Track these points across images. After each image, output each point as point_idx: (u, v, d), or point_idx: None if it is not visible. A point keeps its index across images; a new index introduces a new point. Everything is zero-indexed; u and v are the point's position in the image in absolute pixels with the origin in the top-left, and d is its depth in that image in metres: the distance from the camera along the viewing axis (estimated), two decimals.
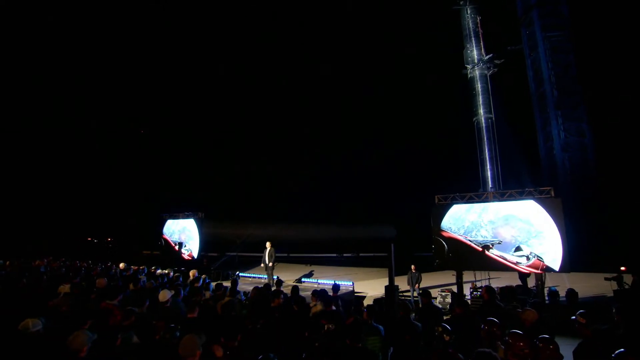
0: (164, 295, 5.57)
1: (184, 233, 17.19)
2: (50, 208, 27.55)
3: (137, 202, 28.27)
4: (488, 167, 16.96)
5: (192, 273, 9.02)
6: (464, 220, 10.38)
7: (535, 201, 9.29)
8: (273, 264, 12.79)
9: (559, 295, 8.67)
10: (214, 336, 3.63)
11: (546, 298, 8.83)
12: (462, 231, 10.33)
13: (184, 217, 17.36)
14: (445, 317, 5.77)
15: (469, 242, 10.09)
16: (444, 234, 10.55)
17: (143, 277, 8.48)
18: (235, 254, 21.23)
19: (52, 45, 26.59)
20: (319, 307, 5.55)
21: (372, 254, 18.03)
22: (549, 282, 10.04)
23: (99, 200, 28.99)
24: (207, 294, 7.01)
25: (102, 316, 4.79)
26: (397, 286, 9.72)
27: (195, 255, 16.40)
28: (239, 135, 28.74)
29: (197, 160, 28.57)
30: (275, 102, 27.40)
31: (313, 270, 17.61)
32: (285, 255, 21.36)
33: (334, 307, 5.62)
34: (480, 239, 10.00)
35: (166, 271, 11.80)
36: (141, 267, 11.74)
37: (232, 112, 28.74)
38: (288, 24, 26.11)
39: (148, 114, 30.18)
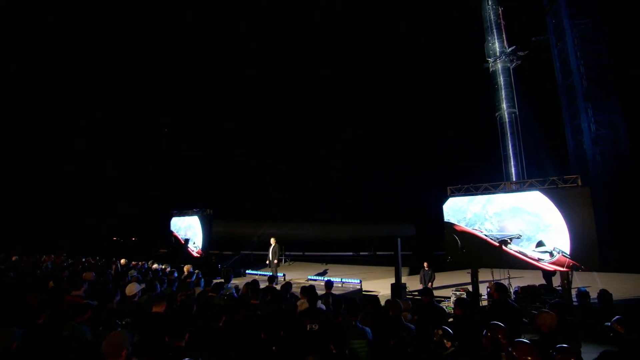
0: (131, 289, 5.08)
1: (189, 230, 16.92)
2: (81, 211, 28.58)
3: (156, 202, 28.53)
4: (512, 163, 16.07)
5: (187, 268, 8.64)
6: (465, 212, 9.49)
7: (560, 191, 8.32)
8: (278, 261, 12.30)
9: (589, 296, 7.65)
10: (160, 334, 3.11)
11: (574, 300, 7.81)
12: (463, 224, 9.46)
13: (191, 214, 17.08)
14: (450, 320, 4.99)
15: (485, 237, 9.08)
16: (457, 227, 9.56)
17: (134, 272, 8.09)
18: (250, 252, 20.97)
19: (73, 48, 27.27)
20: (306, 304, 4.95)
21: (389, 253, 17.41)
22: (578, 282, 9.09)
23: (125, 203, 29.82)
24: (198, 290, 6.74)
25: (64, 311, 4.41)
26: (405, 284, 8.98)
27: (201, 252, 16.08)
28: (256, 134, 28.64)
29: (213, 159, 28.62)
30: (292, 101, 27.14)
31: (327, 269, 17.03)
32: (301, 254, 20.98)
33: (323, 306, 5.01)
34: (484, 232, 9.11)
35: (163, 266, 11.48)
36: (140, 263, 11.50)
37: (249, 112, 28.66)
38: (303, 21, 25.81)
39: (167, 114, 30.53)
